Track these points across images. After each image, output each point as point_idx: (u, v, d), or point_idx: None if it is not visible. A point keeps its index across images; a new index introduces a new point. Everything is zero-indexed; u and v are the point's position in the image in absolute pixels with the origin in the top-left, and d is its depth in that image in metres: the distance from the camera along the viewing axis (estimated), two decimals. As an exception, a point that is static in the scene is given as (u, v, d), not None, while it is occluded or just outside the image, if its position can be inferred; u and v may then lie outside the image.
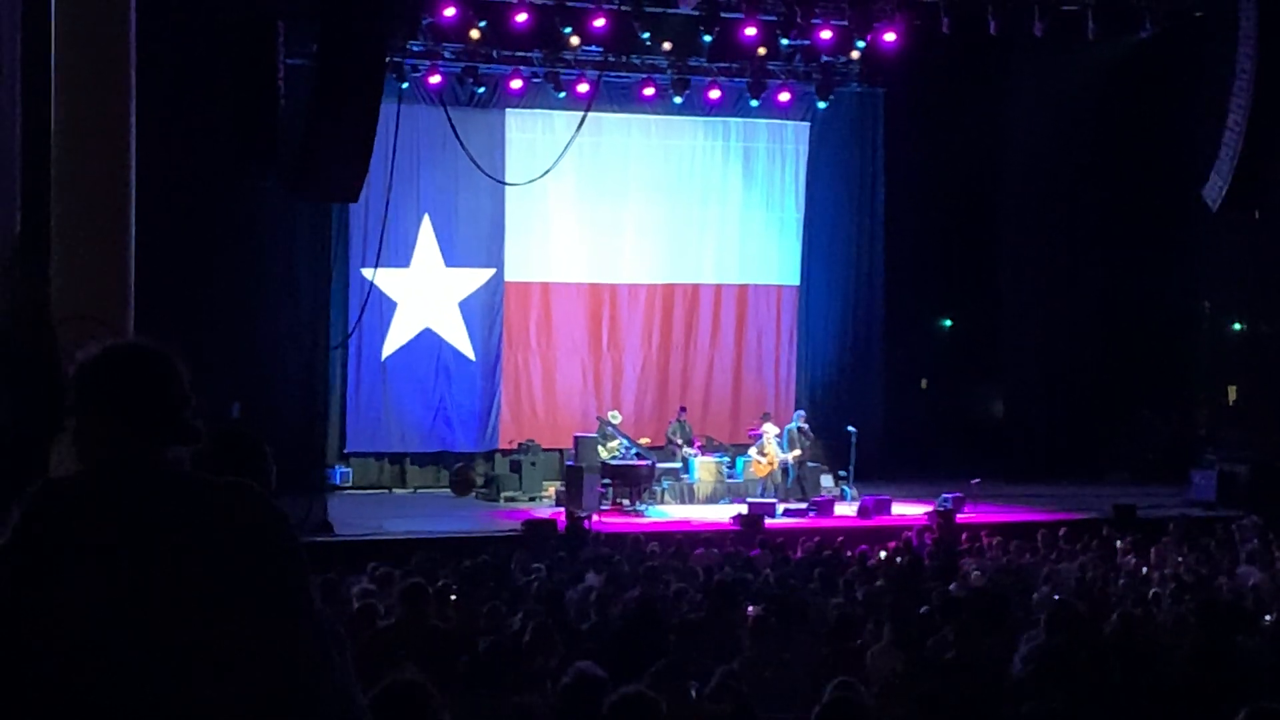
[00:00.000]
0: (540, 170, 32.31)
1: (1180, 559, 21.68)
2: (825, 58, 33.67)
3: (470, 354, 33.39)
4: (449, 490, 32.33)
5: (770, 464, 31.17)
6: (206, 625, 3.94)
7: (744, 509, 28.27)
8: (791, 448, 31.38)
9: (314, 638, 4.16)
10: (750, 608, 15.50)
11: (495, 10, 29.58)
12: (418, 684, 6.36)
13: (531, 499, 31.21)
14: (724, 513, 28.78)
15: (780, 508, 29.25)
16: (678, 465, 31.63)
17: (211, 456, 4.81)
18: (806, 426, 31.81)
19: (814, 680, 11.64)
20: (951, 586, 17.58)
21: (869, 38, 31.19)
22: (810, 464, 31.76)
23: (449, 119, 31.16)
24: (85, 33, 13.06)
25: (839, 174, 36.36)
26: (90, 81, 13.00)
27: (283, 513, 4.20)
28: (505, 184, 32.87)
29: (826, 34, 31.32)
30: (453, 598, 15.71)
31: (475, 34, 30.16)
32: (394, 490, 32.80)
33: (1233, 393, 35.05)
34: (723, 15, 30.00)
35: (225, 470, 4.43)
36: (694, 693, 10.07)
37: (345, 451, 32.41)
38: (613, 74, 32.81)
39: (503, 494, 31.41)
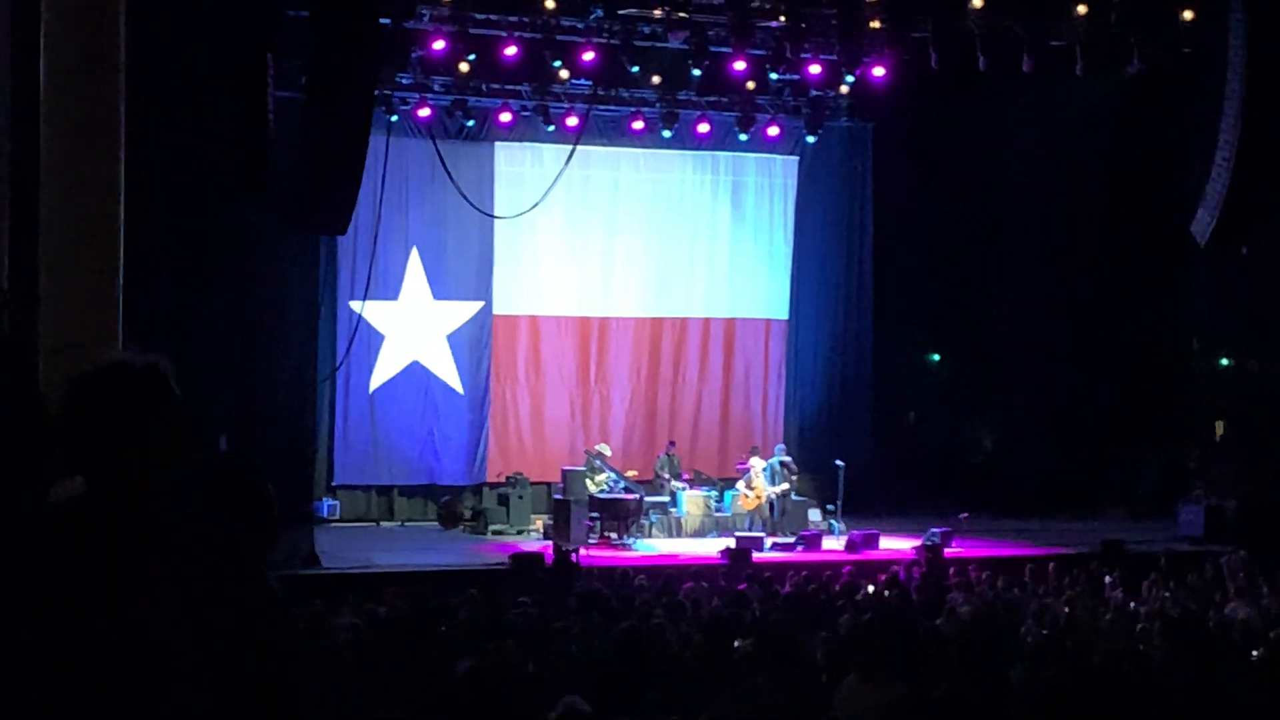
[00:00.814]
0: (529, 203, 32.34)
1: (1168, 594, 21.67)
2: (814, 92, 33.73)
3: (458, 387, 33.36)
4: (437, 523, 32.27)
5: (758, 498, 31.16)
6: (160, 673, 3.91)
7: (732, 543, 28.24)
8: (776, 482, 31.37)
9: (280, 692, 4.11)
10: (738, 642, 15.48)
11: (484, 43, 29.59)
12: None
13: (519, 532, 31.17)
14: (712, 546, 28.72)
15: (768, 542, 29.23)
16: (666, 499, 31.60)
17: (214, 496, 4.79)
18: (789, 460, 31.84)
19: (802, 716, 11.62)
20: (939, 621, 17.55)
21: (858, 72, 31.27)
22: (798, 498, 31.76)
23: (438, 152, 31.20)
24: (75, 65, 13.05)
25: (828, 208, 36.38)
26: (80, 113, 12.97)
27: (258, 567, 4.15)
28: (494, 217, 32.88)
29: (815, 68, 31.36)
30: (441, 629, 15.68)
31: (464, 67, 30.17)
32: (382, 523, 32.72)
33: (1220, 428, 35.06)
34: (712, 49, 30.04)
35: (227, 511, 4.40)
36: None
37: (333, 484, 32.34)
38: (602, 107, 32.85)
39: (490, 527, 31.36)
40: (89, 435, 4.09)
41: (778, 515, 31.14)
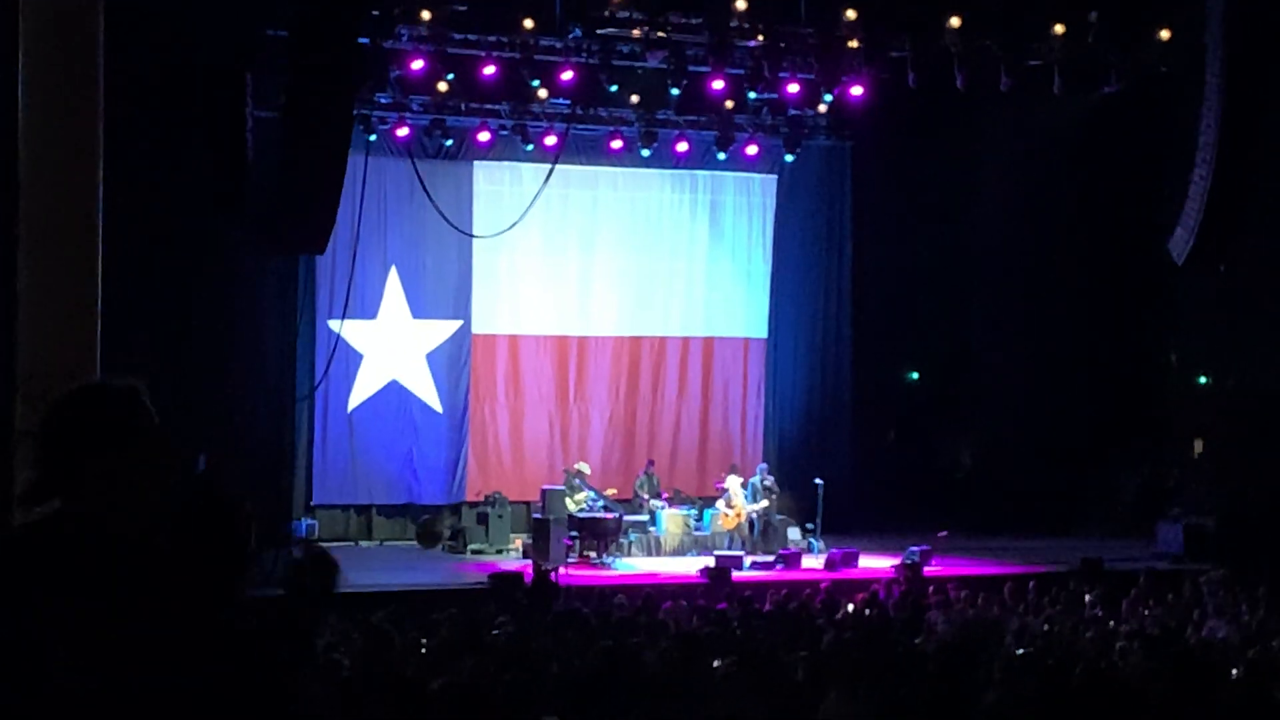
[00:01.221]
0: (508, 222, 32.34)
1: (1148, 613, 21.68)
2: (793, 111, 33.80)
3: (437, 406, 33.33)
4: (416, 542, 32.24)
5: (738, 516, 31.17)
6: (140, 687, 3.90)
7: (711, 562, 28.26)
8: (756, 500, 31.38)
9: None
10: (718, 661, 15.46)
11: (463, 63, 29.61)
12: None
13: (498, 551, 31.11)
14: (691, 565, 28.74)
15: (748, 560, 29.23)
16: (645, 518, 31.58)
17: (191, 516, 4.77)
18: (771, 480, 31.84)
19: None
20: (918, 640, 17.54)
21: (836, 91, 31.30)
22: (778, 516, 31.75)
23: (416, 171, 31.19)
24: (52, 84, 13.04)
25: (807, 227, 36.42)
26: (58, 133, 12.97)
27: (231, 583, 4.15)
28: (473, 236, 32.87)
29: (794, 87, 31.40)
30: (421, 650, 15.65)
31: (443, 86, 30.17)
32: (360, 542, 32.65)
33: (1199, 446, 35.10)
34: (690, 69, 30.09)
35: (204, 530, 4.38)
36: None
37: (311, 504, 32.28)
38: (580, 127, 32.89)
39: (469, 546, 31.30)
40: (62, 451, 4.09)
41: (757, 534, 31.14)
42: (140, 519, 4.12)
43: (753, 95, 32.06)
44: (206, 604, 4.07)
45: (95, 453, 4.09)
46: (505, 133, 32.50)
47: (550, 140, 32.44)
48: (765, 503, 31.48)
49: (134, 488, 4.11)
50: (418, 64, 29.18)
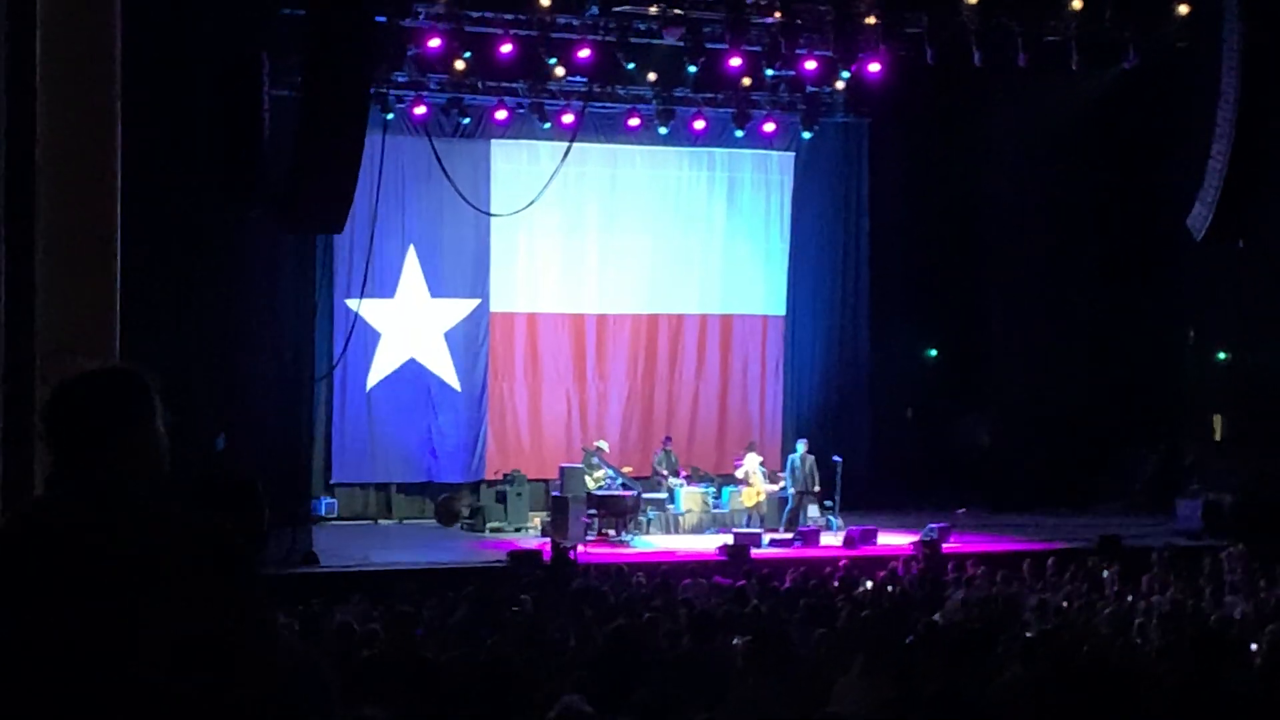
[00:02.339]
0: (525, 201, 32.31)
1: (1166, 589, 21.66)
2: (810, 88, 33.74)
3: (455, 384, 33.35)
4: (435, 521, 32.28)
5: (758, 493, 31.17)
6: (153, 665, 3.91)
7: (729, 539, 28.26)
8: (798, 480, 31.20)
9: (265, 681, 4.11)
10: (736, 639, 15.47)
11: (480, 41, 29.59)
12: None
13: (517, 529, 31.14)
14: (710, 543, 28.75)
15: (766, 538, 29.21)
16: (663, 495, 31.59)
17: (203, 496, 4.78)
18: (811, 458, 31.55)
19: (800, 713, 11.62)
20: (937, 617, 17.55)
21: (854, 68, 31.25)
22: (807, 494, 31.61)
23: (434, 150, 31.15)
24: (70, 63, 13.05)
25: (824, 204, 36.39)
26: (75, 113, 12.98)
27: (250, 560, 4.15)
28: (490, 214, 32.84)
29: (811, 64, 31.37)
30: (439, 627, 15.69)
31: (460, 65, 30.15)
32: (380, 521, 32.72)
33: (1218, 422, 35.07)
34: (707, 46, 30.05)
35: (217, 510, 4.39)
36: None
37: (331, 482, 32.34)
38: (597, 105, 32.87)
39: (488, 525, 31.33)
40: (70, 428, 4.12)
41: (787, 512, 31.01)
42: (146, 494, 4.13)
43: (770, 72, 32.00)
44: (224, 576, 4.07)
45: (91, 442, 4.12)
46: (522, 111, 32.48)
47: (567, 118, 32.42)
48: (779, 485, 31.42)
49: (126, 475, 4.12)
50: (435, 42, 29.18)
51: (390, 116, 30.93)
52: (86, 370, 4.25)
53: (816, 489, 31.33)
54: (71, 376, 4.20)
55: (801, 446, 31.85)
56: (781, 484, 31.44)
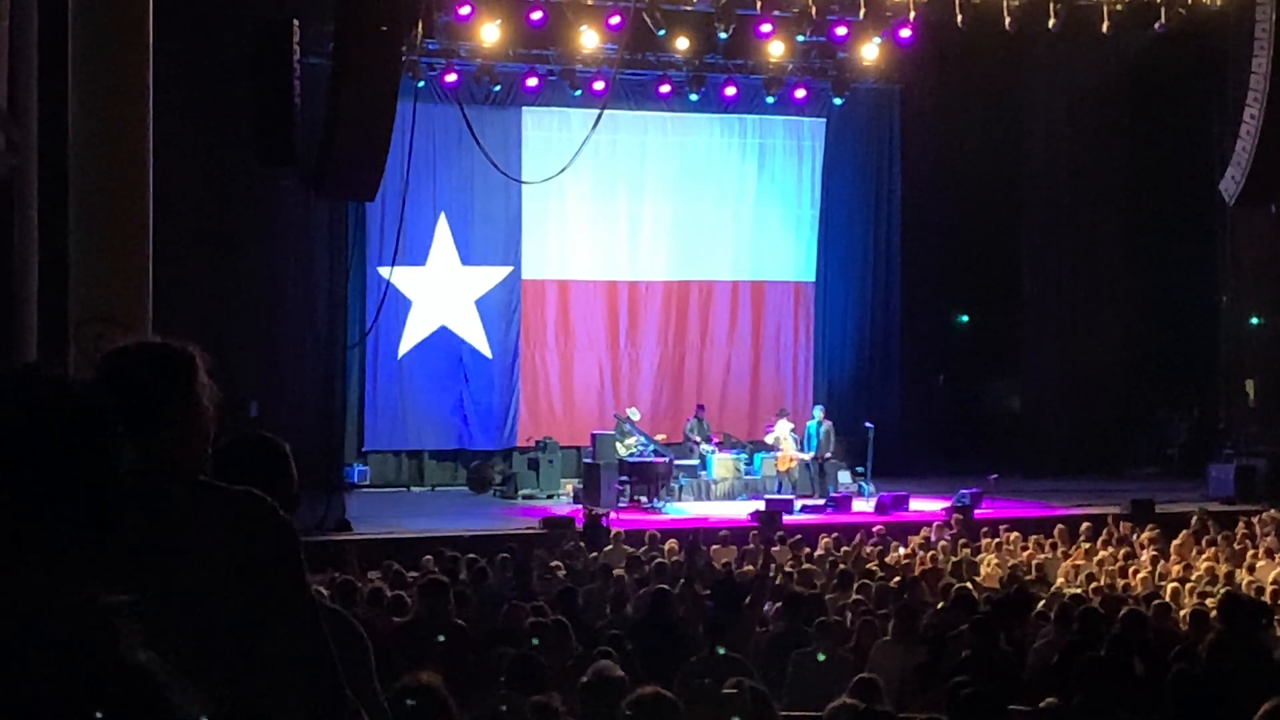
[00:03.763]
0: (556, 168, 32.28)
1: (1200, 553, 21.66)
2: (841, 54, 33.66)
3: (487, 352, 33.39)
4: (467, 488, 32.36)
5: (790, 459, 31.21)
6: (198, 634, 3.94)
7: (761, 505, 28.28)
8: (813, 446, 31.30)
9: (309, 646, 4.14)
10: (768, 605, 15.52)
11: (511, 8, 29.60)
12: (433, 688, 6.37)
13: (549, 496, 31.19)
14: (742, 509, 28.77)
15: (798, 504, 29.21)
16: (695, 462, 31.62)
17: (234, 462, 4.80)
18: (829, 423, 31.61)
19: (832, 678, 11.65)
20: (969, 583, 17.57)
21: (885, 34, 31.26)
22: (828, 459, 31.69)
23: (465, 117, 31.13)
24: (102, 33, 13.09)
25: (855, 170, 36.35)
26: (107, 82, 13.02)
27: (288, 523, 4.17)
28: (521, 182, 32.83)
29: (842, 30, 31.35)
30: (471, 593, 15.73)
31: (491, 32, 30.16)
32: (412, 488, 32.82)
33: (1251, 387, 34.96)
34: (738, 12, 30.02)
35: (247, 476, 4.41)
36: (712, 691, 10.07)
37: (363, 449, 32.44)
38: (628, 71, 32.80)
39: (520, 491, 31.40)
40: (122, 404, 4.13)
41: (813, 475, 31.09)
42: (196, 467, 4.16)
43: (801, 38, 31.93)
44: (275, 545, 4.10)
45: (142, 414, 4.12)
46: (553, 78, 32.44)
47: (598, 85, 32.35)
48: (829, 452, 31.44)
49: (178, 452, 4.14)
50: (465, 10, 29.20)
51: (421, 84, 30.91)
52: (134, 345, 4.25)
53: (829, 455, 31.33)
54: (118, 351, 4.20)
55: (819, 413, 31.94)
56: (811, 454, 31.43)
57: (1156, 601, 15.48)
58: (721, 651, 11.98)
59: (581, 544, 23.12)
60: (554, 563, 20.06)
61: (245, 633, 3.98)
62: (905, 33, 30.98)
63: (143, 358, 4.17)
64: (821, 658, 12.40)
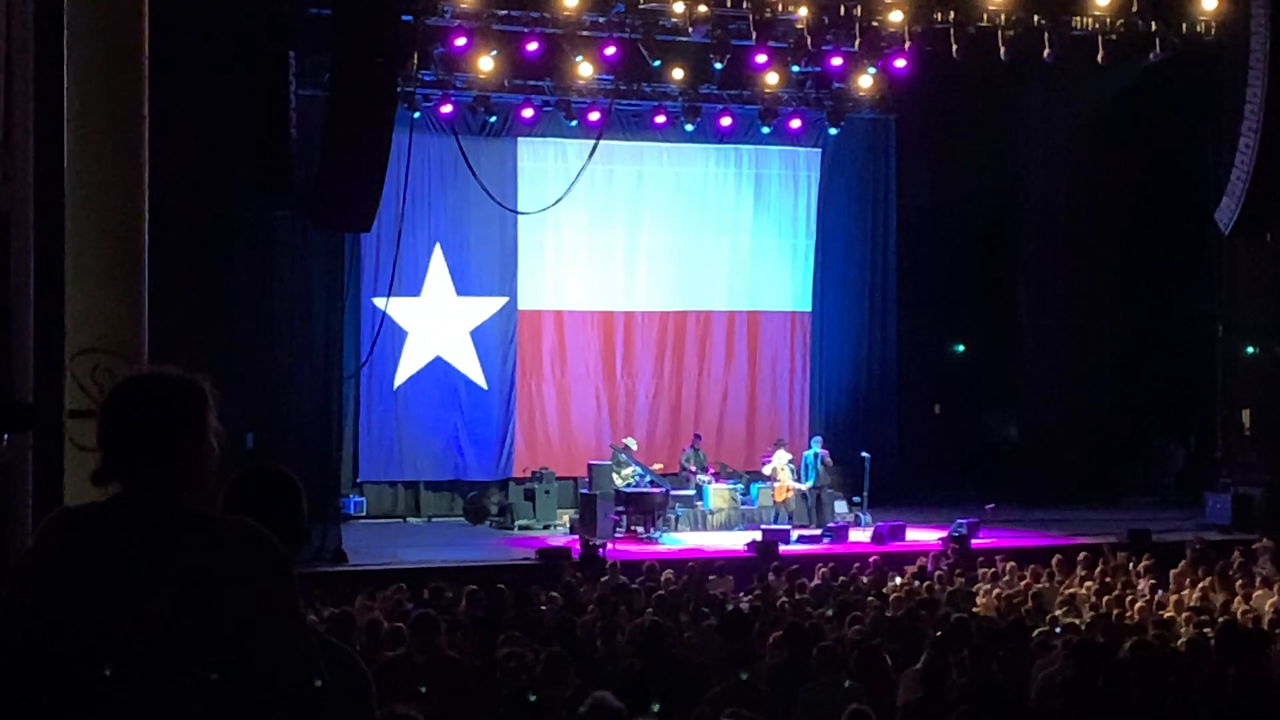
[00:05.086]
0: (552, 198, 32.35)
1: (1196, 583, 21.63)
2: (836, 84, 33.74)
3: (482, 382, 33.39)
4: (463, 519, 32.32)
5: (786, 490, 31.19)
6: (189, 662, 3.93)
7: (758, 536, 28.25)
8: (809, 477, 31.26)
9: (300, 677, 4.13)
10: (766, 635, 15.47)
11: (506, 39, 29.64)
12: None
13: (546, 527, 31.15)
14: (738, 539, 28.74)
15: (795, 534, 29.19)
16: (692, 492, 31.61)
17: (244, 495, 4.81)
18: (825, 454, 31.61)
19: (830, 708, 11.63)
20: (966, 614, 17.54)
21: (880, 64, 31.31)
22: (825, 490, 31.67)
23: (460, 148, 31.21)
24: (97, 61, 13.09)
25: (851, 200, 36.41)
26: (103, 112, 13.01)
27: (282, 554, 4.16)
28: (517, 213, 32.89)
29: (837, 61, 31.40)
30: (467, 625, 15.69)
31: (486, 63, 30.20)
32: (408, 519, 32.81)
33: (1246, 416, 34.95)
34: (734, 43, 30.04)
35: (257, 508, 4.42)
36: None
37: (359, 480, 32.41)
38: (624, 102, 32.87)
39: (517, 522, 31.34)
40: (119, 439, 4.13)
41: (810, 505, 31.06)
42: (197, 498, 4.17)
43: (796, 69, 31.98)
44: (272, 577, 4.10)
45: (152, 445, 4.13)
46: (549, 109, 32.50)
47: (594, 116, 32.43)
48: (825, 480, 31.39)
49: (182, 484, 4.14)
50: (461, 41, 29.25)
51: (417, 115, 30.95)
52: (149, 373, 4.26)
53: (826, 485, 31.30)
54: (133, 379, 4.21)
55: (816, 443, 31.93)
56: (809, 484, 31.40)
57: (1153, 632, 15.46)
58: (744, 677, 11.97)
59: (578, 574, 23.09)
60: (551, 593, 20.02)
61: (235, 663, 3.97)
62: (900, 63, 31.01)
63: (158, 386, 4.19)
64: (848, 684, 12.35)
